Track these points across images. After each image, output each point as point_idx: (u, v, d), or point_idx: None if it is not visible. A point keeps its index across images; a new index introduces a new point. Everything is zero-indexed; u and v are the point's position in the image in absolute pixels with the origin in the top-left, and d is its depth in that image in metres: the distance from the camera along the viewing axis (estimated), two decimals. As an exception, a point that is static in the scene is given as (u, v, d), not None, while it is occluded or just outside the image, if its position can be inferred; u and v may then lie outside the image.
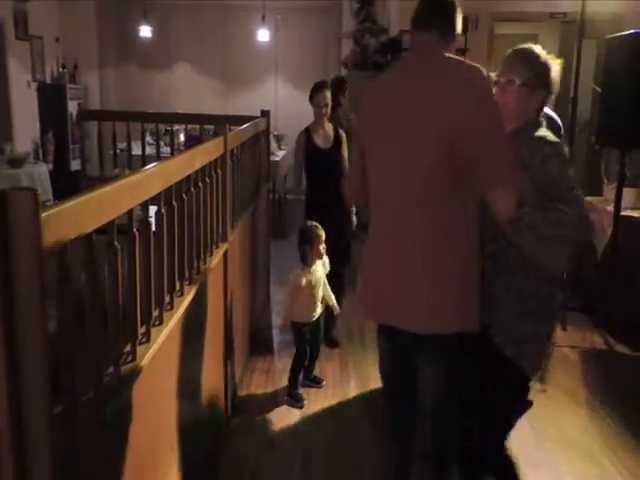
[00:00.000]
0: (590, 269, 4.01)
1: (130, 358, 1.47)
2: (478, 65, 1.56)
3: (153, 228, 1.78)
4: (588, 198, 4.26)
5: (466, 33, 6.24)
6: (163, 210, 1.78)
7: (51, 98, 6.18)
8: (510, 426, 1.78)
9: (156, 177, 1.63)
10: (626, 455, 2.51)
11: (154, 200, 1.64)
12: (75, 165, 5.86)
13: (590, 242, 3.95)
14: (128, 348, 1.48)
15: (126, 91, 7.47)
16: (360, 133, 1.79)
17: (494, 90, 1.67)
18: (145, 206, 1.59)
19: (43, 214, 0.98)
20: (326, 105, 3.39)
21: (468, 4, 6.23)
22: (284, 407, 2.81)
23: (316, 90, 3.41)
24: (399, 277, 1.63)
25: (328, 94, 3.42)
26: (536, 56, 1.69)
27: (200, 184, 2.13)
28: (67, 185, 5.10)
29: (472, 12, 6.27)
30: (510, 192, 1.49)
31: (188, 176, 2.00)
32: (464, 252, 1.60)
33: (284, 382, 2.94)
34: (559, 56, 5.43)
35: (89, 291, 1.26)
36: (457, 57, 1.62)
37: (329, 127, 3.48)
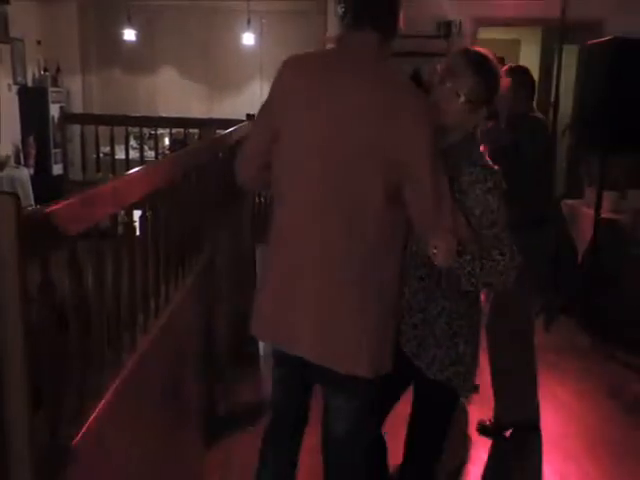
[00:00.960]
0: (571, 271, 4.06)
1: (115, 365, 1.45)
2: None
3: (137, 232, 1.77)
4: (569, 201, 4.32)
5: (449, 38, 6.31)
6: (148, 214, 1.76)
7: (32, 101, 6.09)
8: (440, 450, 1.68)
9: (140, 181, 1.62)
10: (606, 455, 2.53)
11: (138, 204, 1.62)
12: (57, 169, 5.78)
13: (573, 245, 4.01)
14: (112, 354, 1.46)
15: (110, 95, 7.39)
16: (275, 111, 1.45)
17: (435, 88, 1.50)
18: (130, 210, 1.57)
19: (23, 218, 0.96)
20: None
21: (451, 9, 6.31)
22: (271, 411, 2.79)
23: None
24: (309, 307, 1.42)
25: None
26: (488, 68, 1.49)
27: (184, 187, 2.12)
28: (49, 190, 5.02)
29: (455, 17, 6.34)
30: (444, 243, 1.36)
31: (172, 181, 1.99)
32: (388, 286, 1.43)
33: (271, 386, 2.92)
34: (541, 62, 5.50)
35: (72, 296, 1.24)
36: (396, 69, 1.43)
37: None
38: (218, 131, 3.48)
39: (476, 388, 2.10)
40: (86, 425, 1.21)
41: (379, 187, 1.33)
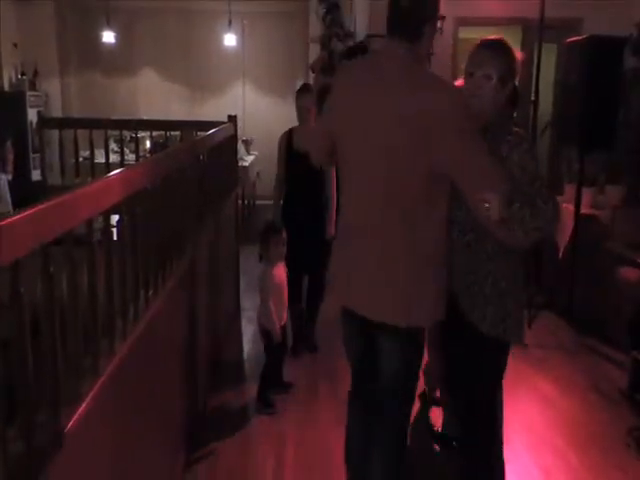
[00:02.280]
0: (553, 267, 4.09)
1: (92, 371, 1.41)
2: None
3: (115, 237, 1.73)
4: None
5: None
6: (125, 218, 1.73)
7: (10, 106, 5.98)
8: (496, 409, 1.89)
9: (117, 185, 1.58)
10: (591, 448, 2.55)
11: (115, 208, 1.59)
12: (36, 175, 5.68)
13: (553, 241, 4.04)
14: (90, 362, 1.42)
15: (89, 98, 7.30)
16: (332, 117, 1.80)
17: (465, 83, 1.72)
18: (106, 215, 1.54)
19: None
20: (307, 109, 3.30)
21: (432, 9, 6.33)
22: (255, 414, 2.78)
23: (298, 93, 3.39)
24: (365, 269, 1.72)
25: (310, 97, 3.34)
26: (508, 48, 1.71)
27: (164, 190, 2.08)
28: (28, 195, 4.93)
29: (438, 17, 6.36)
30: (496, 196, 1.52)
31: (152, 184, 1.95)
32: (426, 253, 1.67)
33: (254, 390, 2.90)
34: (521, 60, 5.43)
35: (45, 304, 1.20)
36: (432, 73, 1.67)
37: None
38: (200, 133, 3.45)
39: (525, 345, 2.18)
40: (62, 434, 1.18)
41: (424, 175, 1.61)
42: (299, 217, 3.27)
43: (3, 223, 0.99)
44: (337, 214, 2.12)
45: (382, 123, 1.61)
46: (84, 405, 1.29)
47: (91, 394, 1.34)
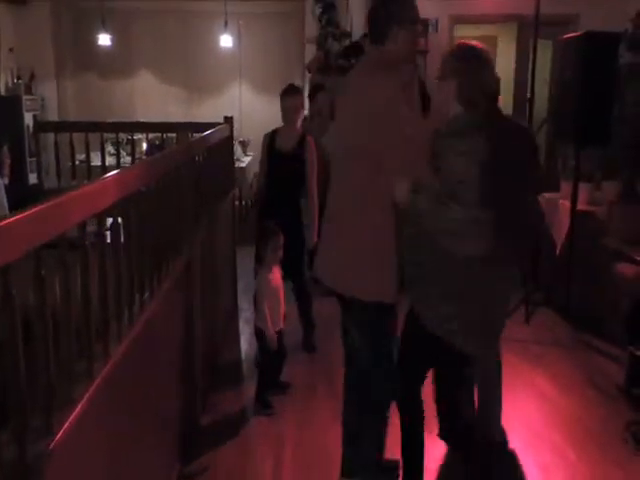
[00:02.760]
0: (550, 263, 4.09)
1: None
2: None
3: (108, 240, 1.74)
4: (547, 194, 4.36)
5: (426, 35, 6.33)
6: (119, 221, 1.73)
7: (6, 110, 5.98)
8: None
9: (111, 188, 1.58)
10: (589, 444, 2.55)
11: (109, 211, 1.59)
12: (33, 178, 5.68)
13: (550, 238, 4.04)
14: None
15: (86, 101, 7.30)
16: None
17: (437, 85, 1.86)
18: (100, 218, 1.54)
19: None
20: (293, 110, 3.28)
21: (428, 7, 6.33)
22: (253, 414, 2.78)
23: (283, 94, 3.34)
24: (333, 248, 2.02)
25: (296, 99, 3.32)
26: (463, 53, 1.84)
27: (160, 193, 2.09)
28: (25, 199, 4.92)
29: (432, 15, 6.36)
30: (402, 180, 1.73)
31: (146, 186, 1.95)
32: (378, 225, 1.88)
33: (252, 391, 2.90)
34: (516, 57, 5.55)
35: (37, 308, 1.21)
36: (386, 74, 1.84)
37: (297, 132, 3.33)
38: (196, 135, 3.44)
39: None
40: (55, 439, 1.18)
41: (372, 165, 1.81)
42: (278, 219, 3.02)
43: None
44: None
45: (347, 121, 1.91)
46: (78, 409, 1.30)
47: (85, 398, 1.34)
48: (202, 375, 2.77)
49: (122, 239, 1.76)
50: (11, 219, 1.08)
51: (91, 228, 1.53)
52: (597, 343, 3.55)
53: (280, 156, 3.33)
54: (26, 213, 1.13)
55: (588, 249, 3.80)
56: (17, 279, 1.16)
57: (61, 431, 1.21)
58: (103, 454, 1.50)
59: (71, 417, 1.26)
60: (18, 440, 1.09)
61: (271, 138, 3.40)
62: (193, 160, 2.68)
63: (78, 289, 1.45)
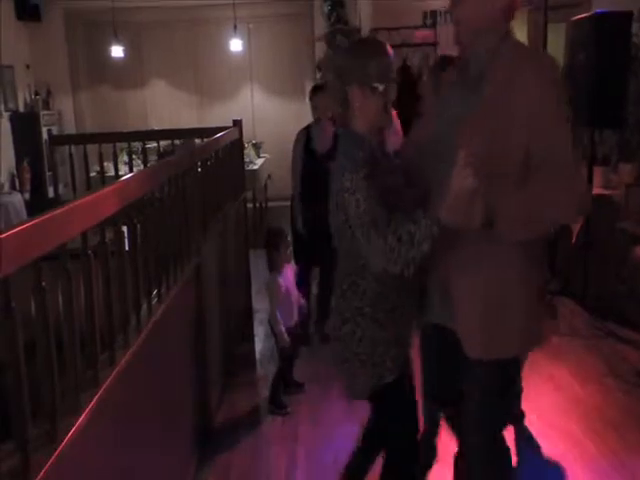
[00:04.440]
0: (566, 252, 4.01)
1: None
2: None
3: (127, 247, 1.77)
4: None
5: (436, 27, 6.28)
6: (124, 229, 1.76)
7: (25, 126, 6.14)
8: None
9: (112, 197, 1.61)
10: (607, 433, 2.50)
11: (111, 220, 1.62)
12: (52, 192, 5.83)
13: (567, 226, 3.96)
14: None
15: (101, 112, 7.44)
16: None
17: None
18: (102, 228, 1.57)
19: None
20: (322, 108, 3.27)
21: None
22: (268, 415, 2.80)
23: (311, 93, 3.39)
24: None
25: (324, 97, 3.25)
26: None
27: (164, 200, 2.11)
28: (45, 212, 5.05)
29: (440, 6, 6.30)
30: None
31: (151, 193, 1.98)
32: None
33: (266, 391, 2.91)
34: (528, 41, 5.43)
35: (38, 319, 1.23)
36: None
37: (330, 131, 3.20)
38: (206, 139, 3.47)
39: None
40: (58, 450, 1.21)
41: None
42: (314, 214, 3.18)
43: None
44: None
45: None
46: (83, 417, 1.32)
47: (90, 405, 1.36)
48: (216, 376, 2.80)
49: (127, 246, 1.79)
50: (10, 231, 1.10)
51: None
52: (616, 330, 3.46)
53: (313, 157, 3.34)
54: (26, 224, 1.16)
55: (604, 234, 3.71)
56: (19, 291, 1.20)
57: (66, 438, 1.24)
58: (112, 460, 1.53)
59: (76, 424, 1.29)
60: (21, 449, 1.12)
61: (306, 136, 3.40)
62: (197, 165, 2.70)
63: (82, 298, 1.49)
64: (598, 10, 3.65)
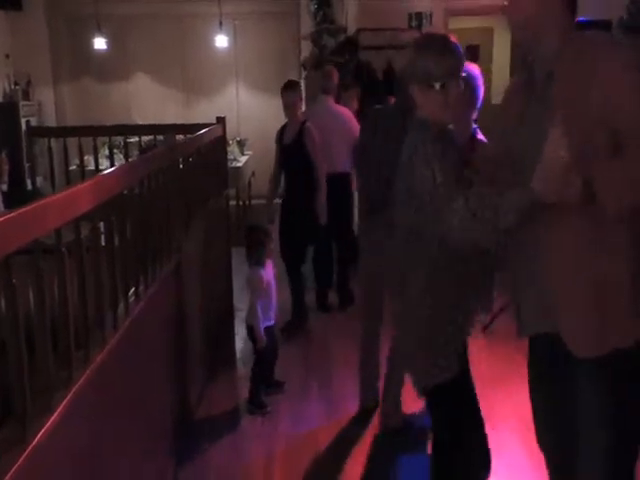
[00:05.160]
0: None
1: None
2: None
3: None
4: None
5: (420, 29, 6.29)
6: (100, 226, 1.73)
7: (3, 117, 6.01)
8: None
9: (88, 193, 1.58)
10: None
11: (86, 217, 1.59)
12: (30, 184, 5.72)
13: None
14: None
15: (83, 105, 7.32)
16: None
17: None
18: (76, 224, 1.54)
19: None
20: (292, 104, 3.55)
21: (421, 1, 6.29)
22: (247, 414, 2.78)
23: (282, 90, 3.59)
24: None
25: (294, 94, 3.58)
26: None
27: (143, 196, 2.08)
28: (24, 205, 4.96)
29: (425, 9, 6.32)
30: None
31: (131, 189, 1.95)
32: None
33: (246, 390, 2.89)
34: (511, 49, 5.50)
35: (8, 316, 1.20)
36: None
37: (297, 123, 3.58)
38: (189, 136, 3.44)
39: None
40: (29, 448, 1.18)
41: None
42: (297, 202, 3.65)
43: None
44: None
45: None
46: (54, 417, 1.29)
47: (62, 405, 1.34)
48: (196, 375, 2.77)
49: (102, 243, 1.76)
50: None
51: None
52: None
53: (285, 148, 3.66)
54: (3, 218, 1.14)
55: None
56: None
57: (35, 440, 1.21)
58: (86, 462, 1.50)
59: (47, 424, 1.26)
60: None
61: (280, 133, 3.72)
62: (178, 162, 2.67)
63: (55, 295, 1.45)
64: (580, 18, 3.69)
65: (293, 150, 3.58)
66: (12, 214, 1.20)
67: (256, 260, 2.81)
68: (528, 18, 1.38)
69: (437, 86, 1.54)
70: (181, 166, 2.70)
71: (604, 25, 3.71)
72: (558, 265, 1.38)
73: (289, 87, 3.56)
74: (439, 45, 1.57)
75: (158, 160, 2.25)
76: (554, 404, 1.56)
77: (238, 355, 3.42)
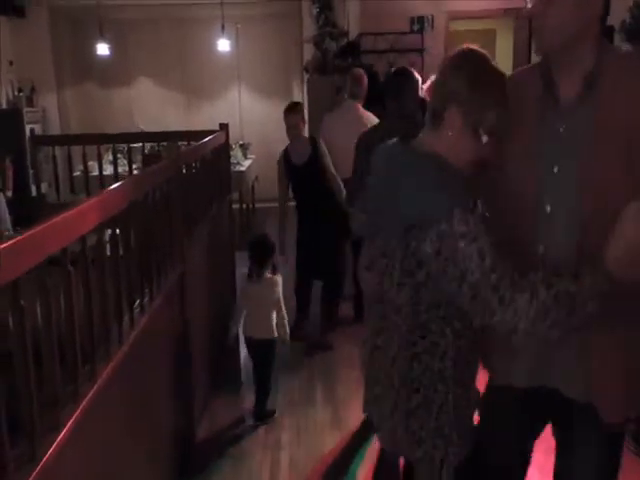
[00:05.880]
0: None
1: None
2: None
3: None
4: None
5: (422, 33, 6.30)
6: (106, 239, 1.75)
7: (8, 123, 6.04)
8: None
9: (95, 210, 1.59)
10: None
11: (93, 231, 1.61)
12: (35, 191, 5.76)
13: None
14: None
15: (86, 110, 7.36)
16: None
17: None
18: (83, 239, 1.55)
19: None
20: (295, 126, 3.52)
21: (422, 4, 6.30)
22: (251, 423, 2.80)
23: (286, 112, 3.57)
24: None
25: (297, 115, 3.55)
26: None
27: (147, 208, 2.10)
28: (28, 211, 5.01)
29: (427, 12, 6.33)
30: None
31: (135, 202, 1.96)
32: None
33: (252, 398, 2.90)
34: (514, 52, 5.49)
35: (16, 333, 1.22)
36: None
37: (305, 143, 3.55)
38: (192, 144, 3.47)
39: None
40: (39, 466, 1.20)
41: None
42: (311, 225, 3.54)
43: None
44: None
45: None
46: (62, 434, 1.31)
47: (71, 421, 1.35)
48: (200, 385, 2.79)
49: (107, 258, 1.78)
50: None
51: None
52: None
53: (299, 168, 3.56)
54: (14, 240, 1.15)
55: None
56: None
57: (45, 457, 1.22)
58: (94, 477, 1.52)
59: (55, 443, 1.28)
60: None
61: (285, 157, 3.61)
62: (182, 172, 2.68)
63: (61, 309, 1.47)
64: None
65: (309, 168, 3.51)
66: (22, 237, 1.19)
67: (257, 273, 2.83)
68: (564, 23, 1.21)
69: (484, 138, 1.27)
70: (185, 175, 2.71)
71: (607, 30, 3.69)
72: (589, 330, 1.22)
73: (292, 109, 3.56)
74: (503, 96, 1.27)
75: (163, 173, 2.27)
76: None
77: (242, 363, 3.43)
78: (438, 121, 1.29)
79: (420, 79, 2.82)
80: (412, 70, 2.80)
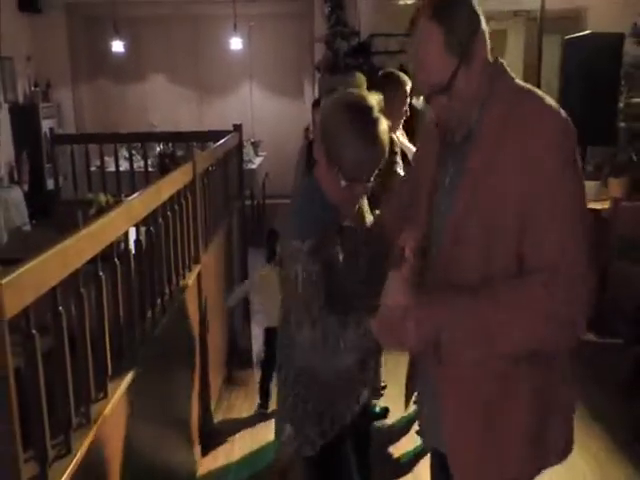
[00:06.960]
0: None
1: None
2: None
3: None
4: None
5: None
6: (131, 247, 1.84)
7: (24, 118, 6.16)
8: None
9: (119, 220, 1.67)
10: (591, 445, 2.60)
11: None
12: (51, 184, 5.88)
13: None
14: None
15: (100, 106, 7.46)
16: None
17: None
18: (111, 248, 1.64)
19: (2, 281, 1.03)
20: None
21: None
22: (263, 415, 2.89)
23: (312, 108, 3.51)
24: None
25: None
26: None
27: (169, 213, 2.19)
28: (44, 205, 5.16)
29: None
30: None
31: (155, 209, 2.04)
32: None
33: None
34: (524, 53, 5.50)
35: (56, 337, 1.32)
36: None
37: None
38: (208, 148, 3.52)
39: None
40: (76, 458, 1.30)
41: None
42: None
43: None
44: None
45: None
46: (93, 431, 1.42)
47: (100, 418, 1.46)
48: (215, 379, 2.89)
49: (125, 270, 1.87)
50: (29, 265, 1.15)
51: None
52: (599, 343, 3.53)
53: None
54: (45, 255, 1.22)
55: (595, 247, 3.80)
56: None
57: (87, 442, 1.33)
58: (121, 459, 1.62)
59: (89, 437, 1.38)
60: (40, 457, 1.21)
61: (308, 152, 3.44)
62: (196, 178, 2.74)
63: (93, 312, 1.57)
64: (593, 31, 3.76)
65: None
66: (52, 250, 1.24)
67: (275, 262, 2.91)
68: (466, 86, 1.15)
69: (343, 183, 1.32)
70: (200, 180, 2.80)
71: (617, 37, 3.75)
72: (446, 389, 1.22)
73: (317, 104, 3.37)
74: (378, 141, 1.29)
75: (181, 179, 2.36)
76: None
77: (255, 359, 3.53)
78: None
79: (410, 84, 2.64)
80: (400, 74, 2.68)
